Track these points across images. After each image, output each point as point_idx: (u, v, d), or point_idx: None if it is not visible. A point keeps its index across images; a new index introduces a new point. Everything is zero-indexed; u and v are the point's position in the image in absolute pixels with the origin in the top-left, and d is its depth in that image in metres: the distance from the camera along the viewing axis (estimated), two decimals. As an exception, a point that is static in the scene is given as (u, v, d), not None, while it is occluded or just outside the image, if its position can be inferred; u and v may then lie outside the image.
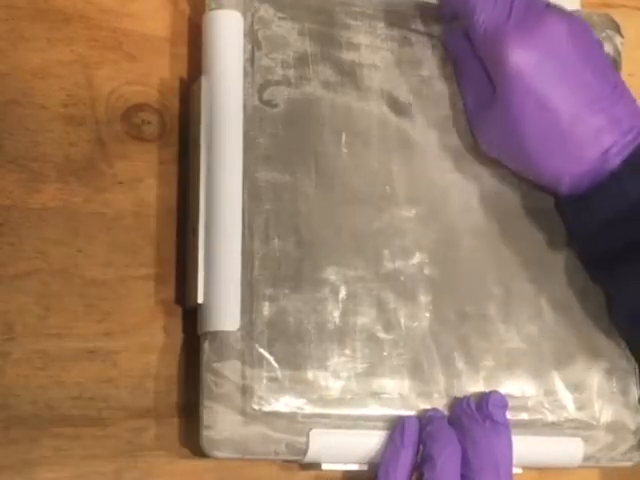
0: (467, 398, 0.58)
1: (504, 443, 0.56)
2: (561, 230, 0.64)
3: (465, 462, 0.55)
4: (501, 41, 0.58)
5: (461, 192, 0.62)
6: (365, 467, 0.57)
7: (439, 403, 0.58)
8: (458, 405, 0.58)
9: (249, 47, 0.58)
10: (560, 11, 0.60)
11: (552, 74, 0.58)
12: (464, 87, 0.63)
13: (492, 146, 0.61)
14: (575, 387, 0.62)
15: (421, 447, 0.56)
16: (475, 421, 0.57)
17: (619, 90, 0.60)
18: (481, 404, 0.57)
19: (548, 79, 0.58)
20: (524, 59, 0.57)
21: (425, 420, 0.57)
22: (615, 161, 0.58)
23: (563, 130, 0.58)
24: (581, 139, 0.58)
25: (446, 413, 0.58)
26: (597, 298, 0.64)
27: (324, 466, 0.56)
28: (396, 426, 0.56)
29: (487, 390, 0.59)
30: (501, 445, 0.56)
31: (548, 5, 0.60)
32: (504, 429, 0.57)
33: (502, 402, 0.57)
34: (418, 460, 0.56)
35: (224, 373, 0.54)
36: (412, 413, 0.57)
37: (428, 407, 0.58)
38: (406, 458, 0.55)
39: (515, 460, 0.57)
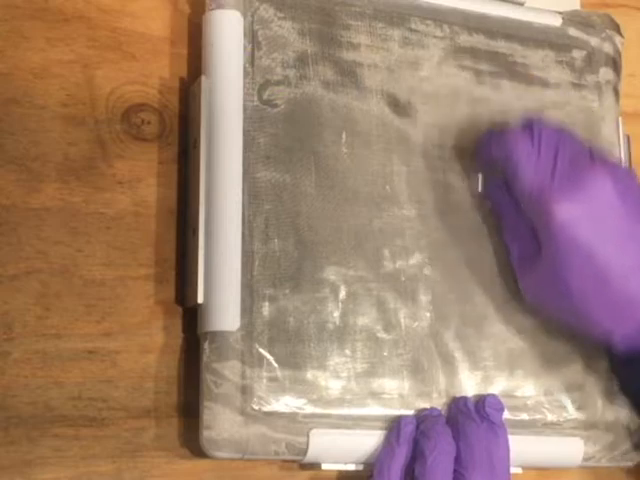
0: (464, 398, 0.58)
1: (500, 443, 0.56)
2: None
3: (459, 459, 0.55)
4: (546, 199, 0.56)
5: (461, 192, 0.62)
6: (364, 467, 0.57)
7: (439, 403, 0.58)
8: (455, 404, 0.58)
9: (249, 47, 0.58)
10: (605, 163, 0.58)
11: (600, 230, 0.56)
12: (508, 238, 0.61)
13: (537, 298, 0.60)
14: (575, 387, 0.62)
15: (416, 444, 0.56)
16: (471, 420, 0.57)
17: None
18: (478, 406, 0.57)
19: (596, 235, 0.56)
20: (571, 217, 0.56)
21: (421, 418, 0.57)
22: None
23: (613, 287, 0.56)
24: (632, 296, 0.56)
25: (444, 413, 0.58)
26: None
27: (324, 466, 0.56)
28: (393, 425, 0.56)
29: (487, 390, 0.59)
30: (497, 445, 0.56)
31: (592, 155, 0.58)
32: (500, 430, 0.57)
33: (499, 405, 0.57)
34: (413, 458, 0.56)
35: (224, 373, 0.54)
36: (412, 413, 0.57)
37: (427, 407, 0.58)
38: (401, 456, 0.56)
39: (515, 460, 0.57)
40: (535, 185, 0.57)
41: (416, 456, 0.56)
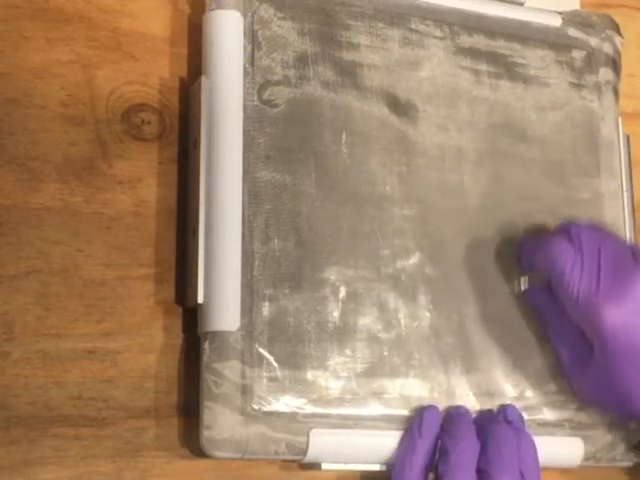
0: (488, 409, 0.59)
1: (526, 446, 0.57)
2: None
3: (486, 458, 0.56)
4: (594, 305, 0.57)
5: (461, 192, 0.62)
6: (365, 467, 0.57)
7: (439, 403, 0.58)
8: (478, 412, 0.59)
9: (249, 47, 0.58)
10: None
11: None
12: (557, 343, 0.61)
13: (594, 399, 0.61)
14: (575, 387, 0.62)
15: (439, 442, 0.56)
16: (498, 422, 0.57)
17: None
18: (498, 414, 0.58)
19: None
20: (619, 319, 0.56)
21: (446, 416, 0.57)
22: None
23: None
24: None
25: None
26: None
27: (324, 466, 0.56)
28: (415, 417, 0.57)
29: (487, 390, 0.59)
30: (522, 447, 0.57)
31: (634, 254, 0.59)
32: (525, 436, 0.57)
33: (518, 413, 0.58)
34: (437, 457, 0.56)
35: (224, 373, 0.54)
36: (412, 413, 0.57)
37: (427, 407, 0.58)
38: (422, 448, 0.56)
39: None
40: (581, 291, 0.57)
41: (440, 454, 0.56)
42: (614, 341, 0.57)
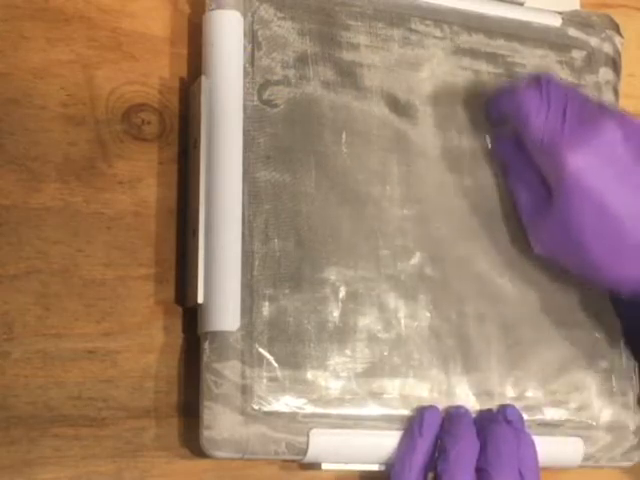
0: (488, 409, 0.59)
1: (525, 446, 0.57)
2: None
3: (485, 457, 0.56)
4: (558, 148, 0.57)
5: (461, 191, 0.62)
6: (365, 467, 0.57)
7: (439, 403, 0.58)
8: (478, 412, 0.59)
9: (249, 47, 0.58)
10: (613, 113, 0.59)
11: (611, 178, 0.57)
12: (517, 191, 0.62)
13: (548, 249, 0.61)
14: (575, 387, 0.62)
15: (439, 442, 0.56)
16: (497, 422, 0.57)
17: None
18: (498, 414, 0.58)
19: (607, 183, 0.57)
20: (582, 165, 0.57)
21: (446, 416, 0.57)
22: None
23: (624, 234, 0.57)
24: None
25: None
26: (598, 299, 0.64)
27: (324, 466, 0.56)
28: (415, 416, 0.57)
29: (487, 390, 0.59)
30: (522, 447, 0.57)
31: (601, 107, 0.60)
32: (524, 436, 0.57)
33: (518, 413, 0.58)
34: (436, 455, 0.56)
35: (224, 373, 0.54)
36: (412, 413, 0.57)
37: (428, 407, 0.58)
38: (422, 448, 0.56)
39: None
40: (546, 135, 0.58)
41: (439, 453, 0.56)
42: (573, 185, 0.57)
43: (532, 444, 0.57)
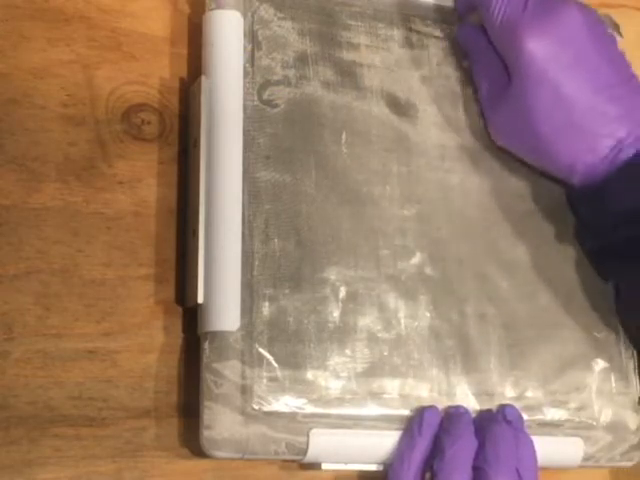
0: (488, 409, 0.59)
1: (524, 446, 0.57)
2: (561, 230, 0.64)
3: (483, 456, 0.56)
4: (517, 29, 0.58)
5: (461, 191, 0.62)
6: (365, 467, 0.57)
7: (439, 403, 0.58)
8: (478, 412, 0.59)
9: (249, 47, 0.58)
10: (575, 2, 0.60)
11: (567, 63, 0.58)
12: (478, 77, 0.63)
13: (505, 135, 0.62)
14: (575, 387, 0.62)
15: (437, 441, 0.56)
16: (496, 422, 0.57)
17: (635, 81, 0.60)
18: (497, 413, 0.58)
19: (563, 67, 0.58)
20: (540, 47, 0.58)
21: (446, 415, 0.57)
22: (629, 152, 0.58)
23: (577, 119, 0.58)
24: (595, 128, 0.58)
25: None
26: (597, 299, 0.64)
27: (324, 466, 0.56)
28: (415, 416, 0.57)
29: (488, 390, 0.59)
30: (520, 447, 0.57)
31: None
32: (523, 436, 0.57)
33: (517, 413, 0.58)
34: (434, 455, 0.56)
35: (224, 373, 0.54)
36: (412, 413, 0.57)
37: (428, 407, 0.58)
38: (421, 446, 0.56)
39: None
40: (506, 17, 0.59)
41: (435, 452, 0.56)
42: (530, 67, 0.58)
43: (531, 444, 0.57)
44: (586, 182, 0.60)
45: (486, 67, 0.62)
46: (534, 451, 0.57)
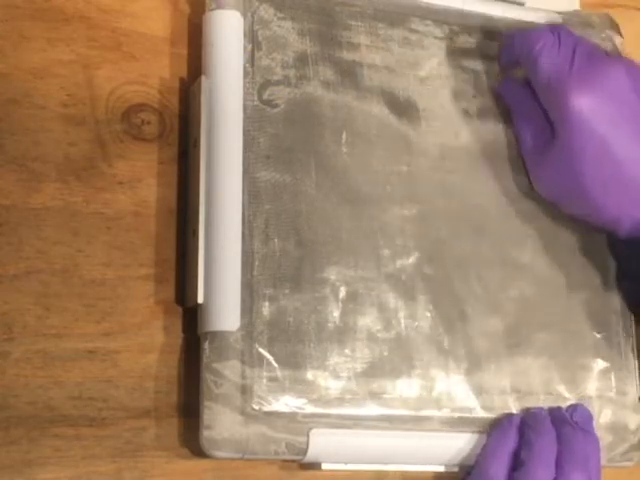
0: (558, 407, 0.60)
1: (593, 449, 0.58)
2: (562, 232, 0.64)
3: (558, 456, 0.57)
4: (565, 87, 0.59)
5: (461, 191, 0.62)
6: (365, 467, 0.57)
7: (439, 403, 0.58)
8: (550, 411, 0.60)
9: (249, 47, 0.58)
10: (620, 58, 0.62)
11: (614, 118, 0.59)
12: (521, 131, 0.63)
13: (549, 189, 0.62)
14: (575, 387, 0.62)
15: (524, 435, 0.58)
16: (569, 424, 0.58)
17: None
18: (568, 413, 0.59)
19: (609, 123, 0.59)
20: (587, 103, 0.59)
21: (527, 415, 0.59)
22: None
23: (624, 173, 0.59)
24: None
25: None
26: (598, 299, 0.64)
27: (324, 466, 0.56)
28: (498, 422, 0.59)
29: (487, 390, 0.59)
30: (591, 450, 0.58)
31: (607, 53, 0.63)
32: (593, 439, 0.58)
33: (587, 413, 0.59)
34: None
35: (224, 373, 0.54)
36: (412, 413, 0.57)
37: (428, 407, 0.58)
38: (510, 440, 0.58)
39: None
40: (553, 74, 0.60)
41: (522, 446, 0.57)
42: (576, 124, 0.59)
43: (598, 444, 0.59)
44: (632, 235, 0.61)
45: (529, 121, 0.63)
46: (600, 451, 0.58)
